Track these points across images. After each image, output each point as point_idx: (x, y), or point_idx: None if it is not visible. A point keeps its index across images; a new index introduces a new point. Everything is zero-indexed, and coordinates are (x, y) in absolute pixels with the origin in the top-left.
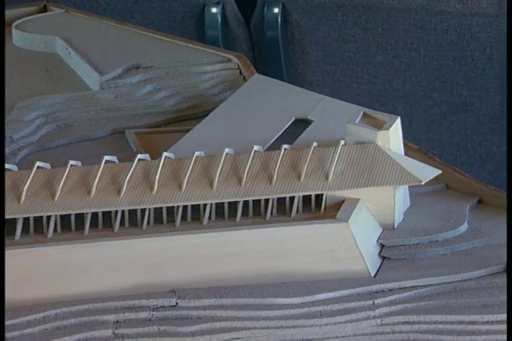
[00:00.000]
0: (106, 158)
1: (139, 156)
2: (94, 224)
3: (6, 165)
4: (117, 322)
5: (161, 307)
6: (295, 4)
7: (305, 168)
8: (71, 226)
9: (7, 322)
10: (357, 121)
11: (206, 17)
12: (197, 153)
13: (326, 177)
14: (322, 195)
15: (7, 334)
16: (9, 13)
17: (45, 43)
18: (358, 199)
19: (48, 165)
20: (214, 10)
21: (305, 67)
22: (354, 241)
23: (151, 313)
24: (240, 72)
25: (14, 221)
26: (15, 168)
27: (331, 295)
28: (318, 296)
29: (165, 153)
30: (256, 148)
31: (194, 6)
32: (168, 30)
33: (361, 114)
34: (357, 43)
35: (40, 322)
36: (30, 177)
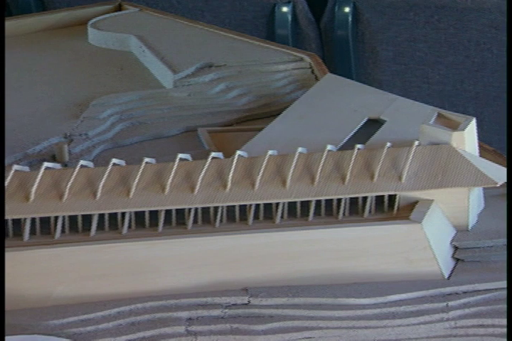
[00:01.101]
0: (180, 155)
1: (213, 154)
2: (167, 221)
3: (82, 162)
4: (190, 319)
5: (233, 305)
6: (366, 3)
7: (378, 168)
8: (145, 223)
9: (83, 317)
10: (431, 122)
11: (276, 16)
12: (270, 152)
13: (400, 178)
14: (395, 195)
15: (82, 329)
16: (85, 11)
17: (120, 42)
18: (432, 200)
19: (122, 162)
20: (285, 9)
21: (374, 67)
22: (427, 242)
23: (224, 311)
24: (312, 72)
25: (89, 217)
26: (91, 164)
27: (403, 296)
28: (391, 297)
29: (238, 152)
30: (329, 147)
31: (265, 5)
32: (239, 29)
33: (435, 115)
34: (428, 43)
35: (115, 318)
36: (106, 173)
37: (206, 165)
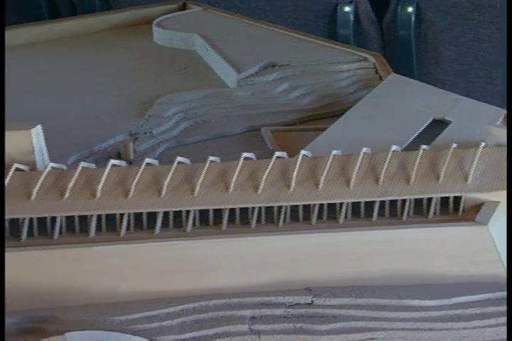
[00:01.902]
0: (244, 154)
1: (277, 154)
2: (231, 220)
3: (147, 160)
4: (253, 317)
5: (296, 304)
6: (430, 3)
7: (444, 169)
8: (209, 221)
9: (147, 313)
10: (498, 123)
11: (339, 16)
12: (334, 152)
13: (466, 179)
14: (461, 196)
15: (146, 326)
16: (150, 11)
17: (184, 41)
18: (498, 202)
19: (187, 161)
20: (347, 9)
21: (437, 67)
22: (493, 244)
23: (287, 310)
24: (376, 71)
25: (154, 215)
26: (155, 162)
27: (469, 298)
28: (456, 299)
29: (302, 151)
30: (394, 147)
31: (327, 4)
32: (301, 28)
33: (502, 116)
34: (492, 43)
35: (179, 315)
36: (171, 172)
37: (270, 165)
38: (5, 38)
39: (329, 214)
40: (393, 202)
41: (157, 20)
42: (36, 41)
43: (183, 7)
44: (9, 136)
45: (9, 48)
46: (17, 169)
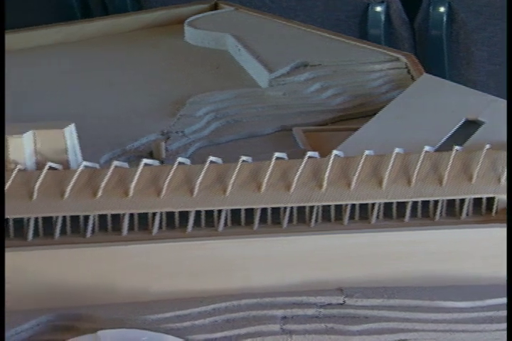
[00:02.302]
0: (276, 154)
1: (309, 154)
2: (262, 219)
3: (180, 159)
4: (285, 317)
5: (328, 304)
6: (462, 3)
7: (477, 170)
8: (240, 221)
9: (179, 312)
10: None
11: (370, 16)
12: (367, 152)
13: (499, 180)
14: (494, 198)
15: (178, 325)
16: (182, 10)
17: (216, 40)
18: None
19: (219, 160)
20: (378, 8)
21: (469, 67)
22: None
23: (319, 310)
24: (408, 72)
25: (186, 214)
26: (188, 161)
27: (501, 300)
28: (489, 301)
29: (335, 151)
30: (427, 148)
31: (358, 4)
32: (331, 28)
33: None
34: None
35: (211, 314)
36: (203, 171)
37: (302, 165)
38: (36, 37)
39: (361, 215)
40: (425, 203)
41: (189, 19)
42: (68, 41)
43: (215, 7)
44: (43, 135)
45: (41, 48)
46: (50, 168)
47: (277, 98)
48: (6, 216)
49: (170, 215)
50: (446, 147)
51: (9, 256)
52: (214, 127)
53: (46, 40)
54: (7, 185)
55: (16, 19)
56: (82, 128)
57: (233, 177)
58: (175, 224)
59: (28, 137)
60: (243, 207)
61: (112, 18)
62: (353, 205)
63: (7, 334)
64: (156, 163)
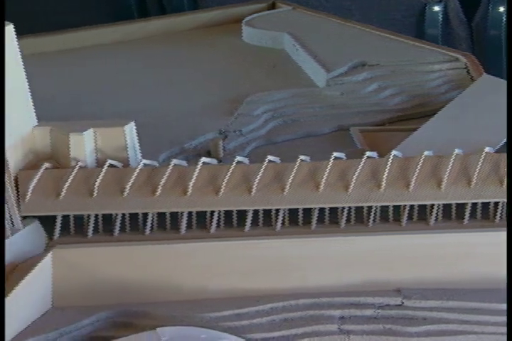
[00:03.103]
0: (335, 154)
1: (368, 154)
2: (320, 219)
3: (238, 158)
4: (343, 317)
5: (386, 305)
6: None
7: None
8: (298, 220)
9: (237, 311)
10: None
11: (427, 15)
12: (426, 153)
13: None
14: None
15: (236, 323)
16: (239, 10)
17: (273, 39)
18: None
19: (277, 159)
20: (436, 8)
21: None
22: None
23: (377, 311)
24: (468, 72)
25: (244, 213)
26: (246, 160)
27: None
28: None
29: (393, 152)
30: (487, 149)
31: (415, 4)
32: (388, 28)
33: None
34: None
35: (268, 313)
36: (261, 170)
37: (361, 165)
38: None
39: (419, 216)
40: (485, 205)
41: (247, 19)
42: (125, 40)
43: (272, 6)
44: (103, 132)
45: (99, 47)
46: (111, 165)
47: (335, 98)
48: (67, 212)
49: (228, 214)
50: (505, 148)
51: (70, 252)
52: (271, 126)
53: (104, 40)
54: (68, 182)
55: (73, 18)
56: (141, 126)
57: (291, 177)
58: (233, 222)
59: (88, 135)
60: (301, 206)
61: (169, 18)
62: (412, 206)
63: (67, 328)
64: (214, 161)
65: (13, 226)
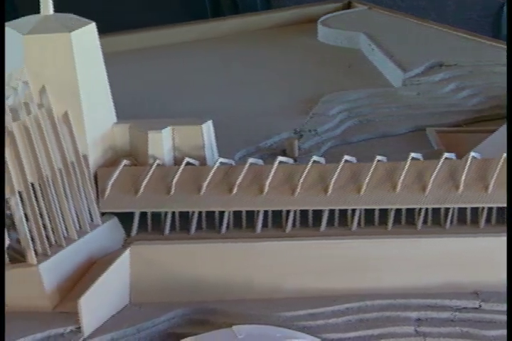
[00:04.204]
0: (412, 155)
1: (445, 155)
2: (397, 220)
3: (314, 157)
4: (419, 319)
5: (463, 308)
6: None
7: None
8: (374, 220)
9: (312, 311)
10: None
11: (504, 15)
12: (505, 155)
13: None
14: None
15: (311, 323)
16: (314, 9)
17: (349, 39)
18: None
19: (353, 159)
20: None
21: None
22: None
23: (454, 314)
24: None
25: (320, 212)
26: (322, 160)
27: None
28: None
29: (472, 153)
30: None
31: (491, 4)
32: (463, 28)
33: None
34: None
35: (344, 314)
36: (338, 170)
37: (439, 166)
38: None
39: (497, 219)
40: None
41: (322, 18)
42: (200, 39)
43: (348, 6)
44: (181, 131)
45: (174, 46)
46: (188, 163)
47: (411, 98)
48: (145, 209)
49: (303, 213)
50: None
51: (147, 249)
52: (346, 126)
53: (178, 39)
54: (146, 179)
55: (147, 17)
56: (216, 125)
57: (368, 177)
58: (308, 222)
59: (166, 133)
60: (377, 206)
61: (243, 17)
62: (490, 208)
63: (144, 325)
64: (290, 161)
65: (92, 222)
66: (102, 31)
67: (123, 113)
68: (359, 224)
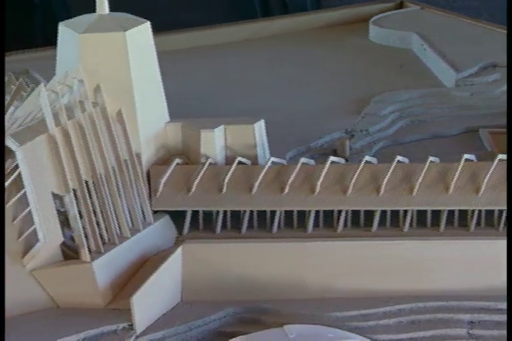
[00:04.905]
0: (465, 156)
1: (499, 156)
2: (449, 221)
3: (367, 157)
4: (472, 322)
5: None
6: None
7: None
8: (426, 222)
9: (364, 311)
10: None
11: None
12: None
13: None
14: None
15: (363, 323)
16: (365, 9)
17: (401, 39)
18: None
19: (406, 160)
20: None
21: None
22: None
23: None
24: None
25: (371, 213)
26: (374, 160)
27: None
28: None
29: None
30: None
31: None
32: None
33: None
34: None
35: (396, 315)
36: (390, 170)
37: (492, 167)
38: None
39: None
40: None
41: (374, 18)
42: (251, 39)
43: (400, 5)
44: (233, 130)
45: (225, 45)
46: (240, 162)
47: (464, 98)
48: (197, 208)
49: (355, 213)
50: None
51: (199, 247)
52: (398, 126)
53: (228, 38)
54: (198, 178)
55: (197, 17)
56: (267, 124)
57: (420, 178)
58: (360, 222)
59: (219, 132)
60: (430, 208)
61: (294, 17)
62: None
63: (196, 323)
64: (341, 160)
65: (144, 220)
66: (153, 30)
67: (175, 112)
68: (411, 225)
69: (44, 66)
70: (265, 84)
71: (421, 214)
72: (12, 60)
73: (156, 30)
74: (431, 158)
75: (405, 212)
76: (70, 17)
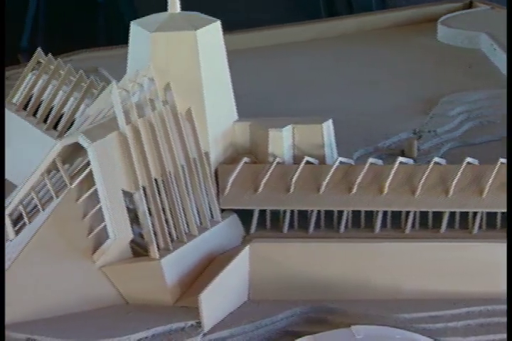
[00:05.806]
0: None
1: None
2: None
3: (436, 159)
4: None
5: None
6: None
7: None
8: (496, 224)
9: (432, 313)
10: None
11: None
12: None
13: None
14: None
15: (430, 325)
16: (433, 9)
17: (469, 39)
18: None
19: (475, 161)
20: None
21: None
22: None
23: None
24: None
25: (440, 214)
26: (443, 161)
27: None
28: None
29: None
30: None
31: None
32: None
33: None
34: None
35: (464, 317)
36: (459, 172)
37: None
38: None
39: None
40: None
41: (442, 18)
42: (317, 38)
43: (469, 5)
44: (301, 129)
45: (291, 45)
46: (307, 162)
47: None
48: (264, 207)
49: (423, 215)
50: None
51: (266, 246)
52: (467, 127)
53: (295, 38)
54: (266, 177)
55: (262, 17)
56: (334, 124)
57: (490, 179)
58: (428, 223)
59: (287, 131)
60: (499, 210)
61: (359, 17)
62: None
63: (263, 322)
64: (410, 161)
65: (212, 218)
66: (223, 29)
67: (243, 110)
68: (480, 227)
69: (110, 64)
70: (332, 84)
71: (490, 217)
72: (79, 58)
73: (226, 29)
74: (501, 160)
75: (474, 213)
76: (138, 17)
